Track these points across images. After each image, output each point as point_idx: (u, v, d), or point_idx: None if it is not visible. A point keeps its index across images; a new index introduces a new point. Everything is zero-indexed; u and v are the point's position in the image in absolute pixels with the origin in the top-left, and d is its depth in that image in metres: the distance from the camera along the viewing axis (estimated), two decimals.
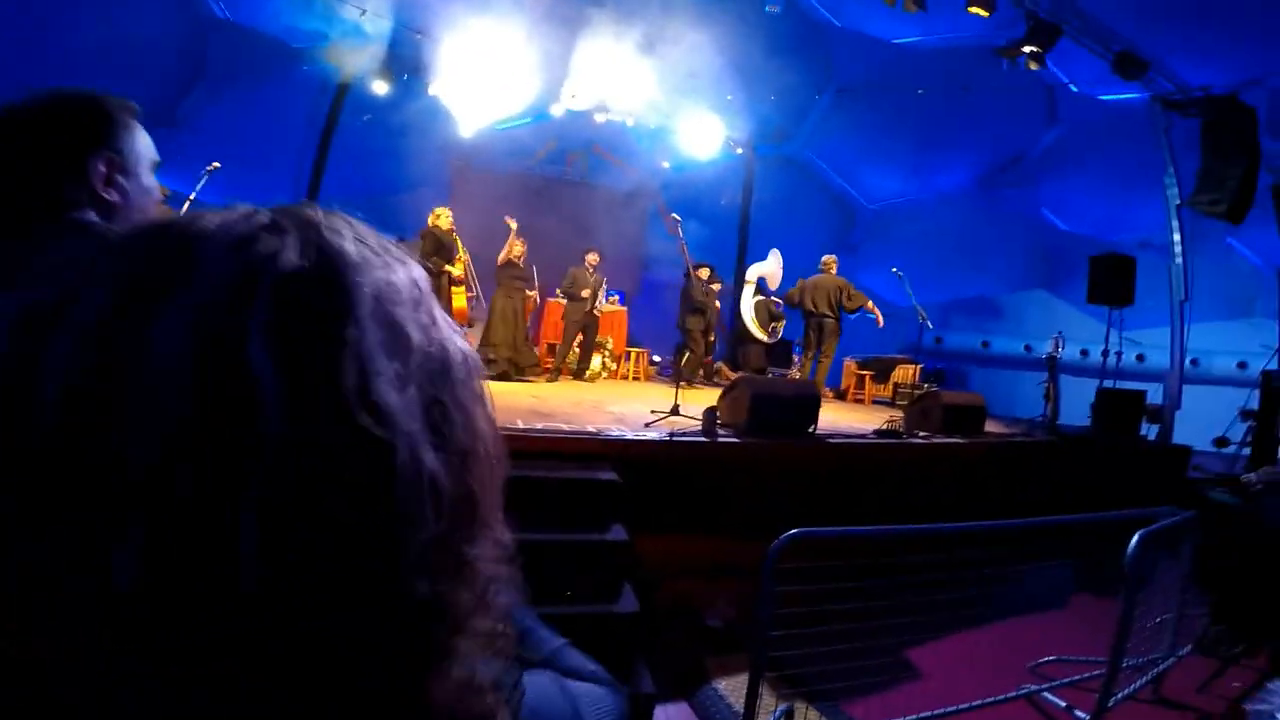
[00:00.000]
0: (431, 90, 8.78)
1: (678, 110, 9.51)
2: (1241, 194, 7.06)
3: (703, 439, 4.73)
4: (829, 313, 8.29)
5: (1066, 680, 3.25)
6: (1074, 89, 10.69)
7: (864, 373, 9.80)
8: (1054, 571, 2.86)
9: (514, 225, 7.35)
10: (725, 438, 4.83)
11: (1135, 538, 2.85)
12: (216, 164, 5.59)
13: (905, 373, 9.96)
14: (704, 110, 9.64)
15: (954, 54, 10.75)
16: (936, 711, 2.82)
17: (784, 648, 2.53)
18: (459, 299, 6.96)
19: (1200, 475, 6.67)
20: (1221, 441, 8.20)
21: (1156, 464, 6.73)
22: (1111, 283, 7.63)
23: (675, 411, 5.35)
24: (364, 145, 9.66)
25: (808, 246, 12.63)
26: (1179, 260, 7.56)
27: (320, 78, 9.76)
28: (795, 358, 10.63)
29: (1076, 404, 7.75)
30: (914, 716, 2.76)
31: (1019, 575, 2.79)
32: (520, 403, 5.66)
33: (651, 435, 4.64)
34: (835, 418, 6.74)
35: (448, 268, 6.79)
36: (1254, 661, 3.32)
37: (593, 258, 8.02)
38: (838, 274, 8.56)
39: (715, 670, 3.46)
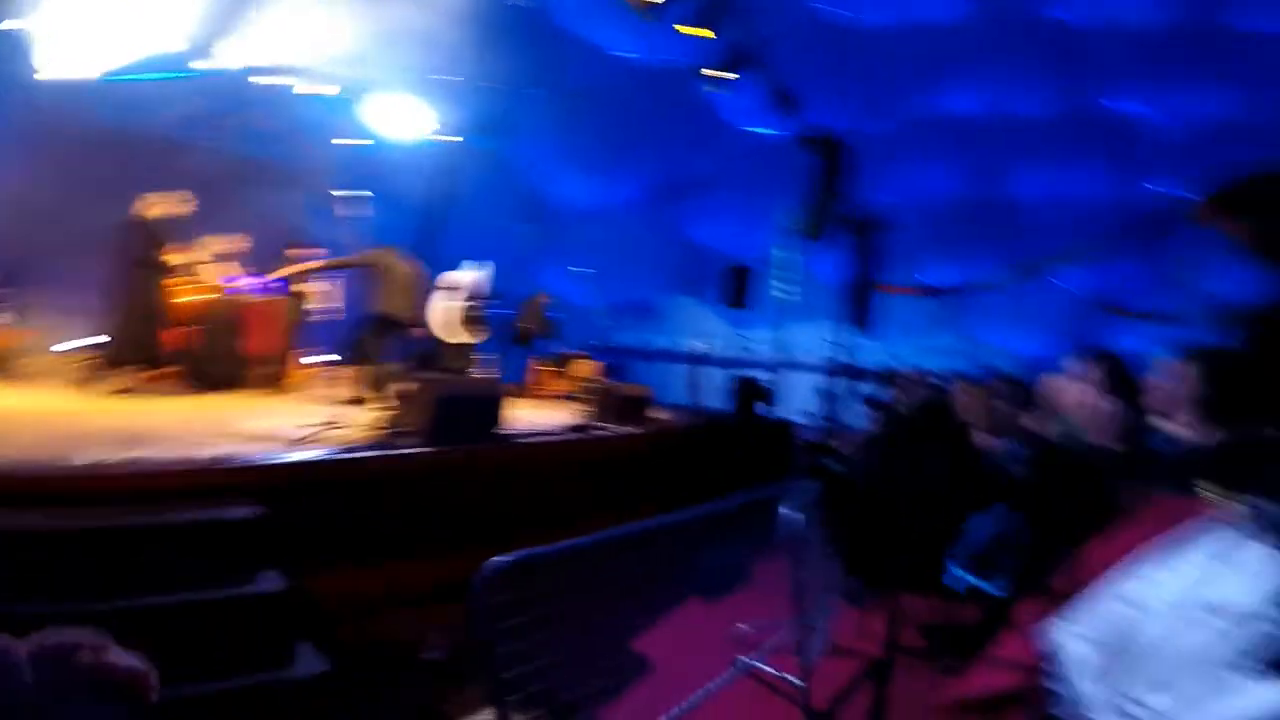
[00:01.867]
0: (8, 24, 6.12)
1: (372, 83, 8.27)
2: (823, 219, 8.93)
3: (379, 452, 4.08)
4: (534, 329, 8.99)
5: (769, 647, 3.55)
6: (733, 121, 12.53)
7: (546, 369, 9.95)
8: (738, 548, 3.08)
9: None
10: (407, 448, 4.25)
11: (784, 510, 3.23)
12: None
13: (584, 368, 10.41)
14: (404, 88, 8.57)
15: (659, 74, 11.65)
16: (684, 705, 2.82)
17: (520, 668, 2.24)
18: (188, 292, 5.84)
19: (801, 441, 8.27)
20: (809, 416, 10.44)
21: (774, 436, 8.19)
22: (735, 289, 9.10)
23: (335, 424, 4.51)
24: None
25: (500, 243, 12.46)
26: (782, 273, 9.33)
27: None
28: (477, 355, 10.27)
29: (710, 391, 9.02)
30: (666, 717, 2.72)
31: (709, 558, 2.93)
32: (102, 424, 4.18)
33: (310, 455, 3.83)
34: (524, 415, 6.61)
35: (168, 259, 5.56)
36: (886, 605, 3.99)
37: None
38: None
39: (457, 711, 2.96)
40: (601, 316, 8.81)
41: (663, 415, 7.72)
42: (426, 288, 7.37)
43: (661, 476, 5.99)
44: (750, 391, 8.51)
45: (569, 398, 9.40)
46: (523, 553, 2.30)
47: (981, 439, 3.86)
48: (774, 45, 8.68)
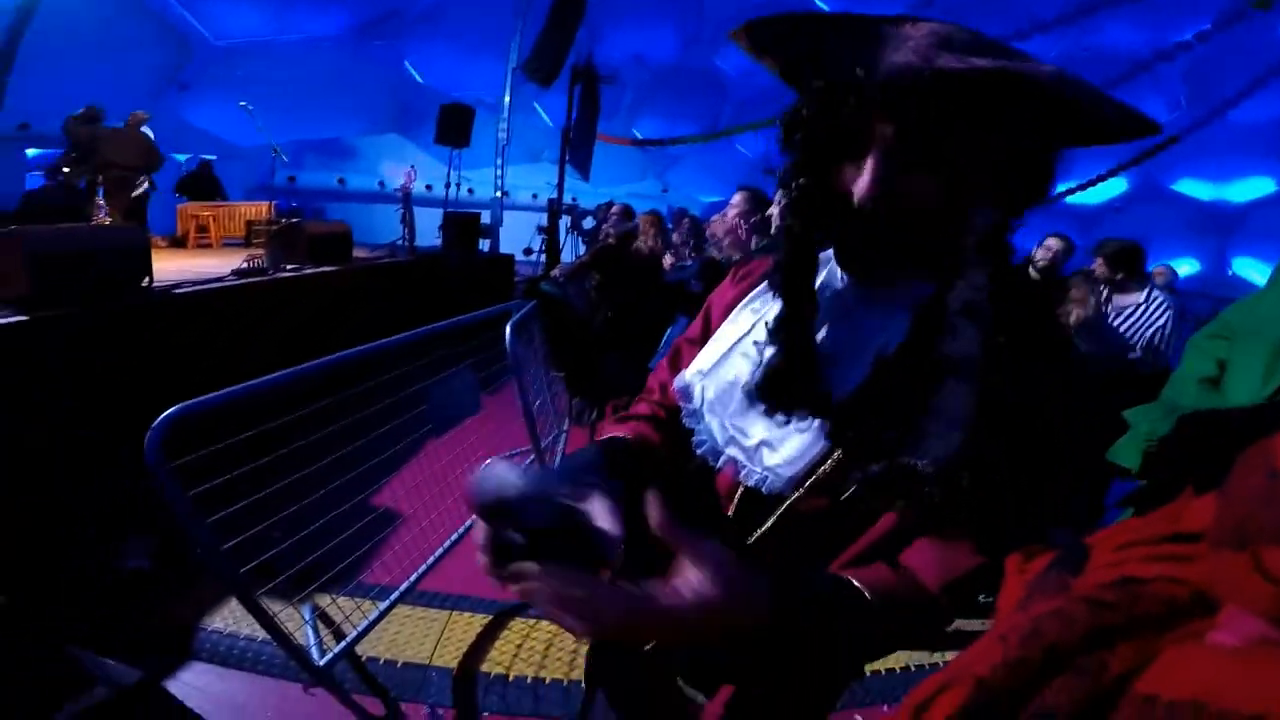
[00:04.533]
0: None
1: None
2: (556, 66, 8.38)
3: None
4: (137, 166, 6.74)
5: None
6: None
7: (206, 214, 8.09)
8: (461, 377, 2.90)
9: None
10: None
11: (507, 328, 3.14)
12: None
13: (257, 210, 8.75)
14: None
15: None
16: (439, 551, 2.71)
17: (245, 547, 1.86)
18: None
19: (520, 278, 8.26)
20: (528, 251, 10.44)
21: (493, 270, 8.03)
22: (455, 128, 8.30)
23: None
24: None
25: (122, 81, 9.66)
26: (506, 114, 8.68)
27: None
28: (99, 201, 7.90)
29: (426, 229, 8.41)
30: (424, 566, 2.59)
31: (428, 391, 2.71)
32: None
33: None
34: (181, 265, 5.39)
35: None
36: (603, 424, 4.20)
37: None
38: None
39: (194, 615, 2.39)
40: (282, 157, 7.21)
41: (366, 254, 6.93)
42: None
43: (373, 316, 5.47)
44: (467, 228, 8.07)
45: (244, 244, 7.93)
46: (204, 399, 1.78)
47: (667, 262, 4.23)
48: None
